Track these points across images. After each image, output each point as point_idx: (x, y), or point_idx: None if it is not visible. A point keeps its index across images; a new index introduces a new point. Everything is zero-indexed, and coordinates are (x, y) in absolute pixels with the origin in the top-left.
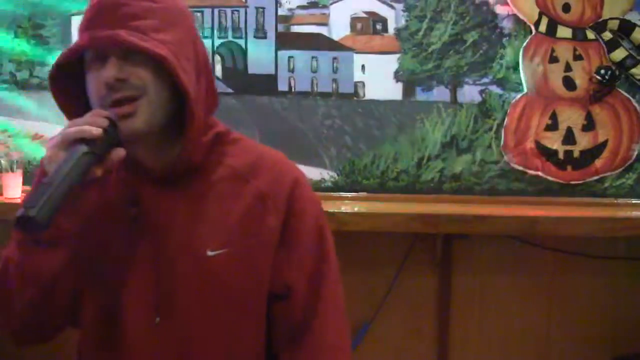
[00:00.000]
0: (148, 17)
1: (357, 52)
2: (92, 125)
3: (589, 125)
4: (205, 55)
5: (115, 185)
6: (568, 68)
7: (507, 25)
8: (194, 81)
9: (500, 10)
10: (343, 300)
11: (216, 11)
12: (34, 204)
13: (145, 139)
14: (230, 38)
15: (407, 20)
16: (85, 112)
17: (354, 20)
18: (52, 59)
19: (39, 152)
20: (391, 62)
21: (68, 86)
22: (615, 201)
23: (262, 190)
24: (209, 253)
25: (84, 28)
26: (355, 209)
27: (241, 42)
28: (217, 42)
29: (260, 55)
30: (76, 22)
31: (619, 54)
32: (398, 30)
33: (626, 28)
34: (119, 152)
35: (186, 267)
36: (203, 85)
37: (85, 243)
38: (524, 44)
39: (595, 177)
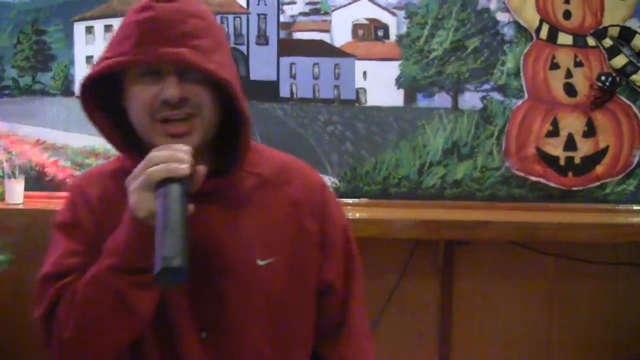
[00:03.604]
0: (202, 35)
1: (358, 59)
2: (178, 161)
3: (590, 131)
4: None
5: None
6: (569, 74)
7: (508, 32)
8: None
9: (501, 17)
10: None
11: (218, 17)
12: (173, 254)
13: None
14: (232, 44)
15: (408, 27)
16: (113, 122)
17: (356, 26)
18: (55, 65)
19: (40, 158)
20: (393, 69)
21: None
22: (616, 207)
23: (295, 196)
24: (259, 262)
25: (137, 42)
26: (357, 215)
27: (243, 48)
28: None
29: (262, 62)
30: (79, 28)
31: (619, 61)
32: (399, 37)
33: (626, 35)
34: (202, 170)
35: (238, 279)
36: None
37: None
38: (525, 50)
39: (596, 183)
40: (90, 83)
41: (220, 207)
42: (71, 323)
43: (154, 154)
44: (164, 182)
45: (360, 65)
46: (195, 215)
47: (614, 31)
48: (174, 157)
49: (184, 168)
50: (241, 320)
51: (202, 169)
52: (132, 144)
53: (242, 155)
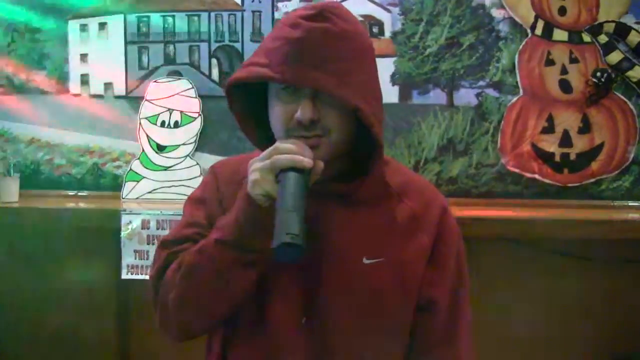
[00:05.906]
0: (343, 58)
1: None
2: (302, 155)
3: (585, 127)
4: (378, 80)
5: None
6: (564, 71)
7: (503, 28)
8: (381, 120)
9: (496, 13)
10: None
11: (213, 15)
12: (298, 232)
13: None
14: (226, 42)
15: (403, 24)
16: (258, 124)
17: None
18: (49, 63)
19: (35, 156)
20: (388, 66)
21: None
22: (612, 203)
23: (415, 210)
24: (366, 261)
25: (281, 60)
26: None
27: (238, 45)
28: (214, 45)
29: None
30: (73, 26)
31: (614, 57)
32: (394, 34)
33: (622, 31)
34: (320, 165)
35: (342, 271)
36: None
37: None
38: (520, 47)
39: (592, 180)
40: (236, 82)
41: (343, 205)
42: (176, 287)
43: (281, 144)
44: (285, 170)
45: None
46: (319, 209)
47: (610, 27)
48: (299, 150)
49: (307, 161)
50: (339, 311)
51: (320, 163)
52: (268, 140)
53: (372, 174)
